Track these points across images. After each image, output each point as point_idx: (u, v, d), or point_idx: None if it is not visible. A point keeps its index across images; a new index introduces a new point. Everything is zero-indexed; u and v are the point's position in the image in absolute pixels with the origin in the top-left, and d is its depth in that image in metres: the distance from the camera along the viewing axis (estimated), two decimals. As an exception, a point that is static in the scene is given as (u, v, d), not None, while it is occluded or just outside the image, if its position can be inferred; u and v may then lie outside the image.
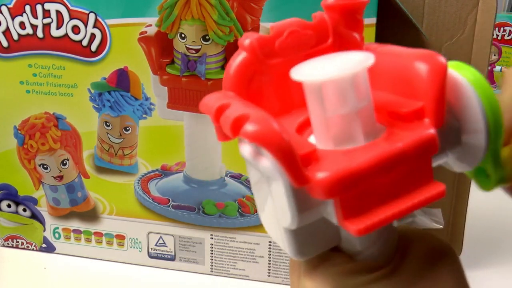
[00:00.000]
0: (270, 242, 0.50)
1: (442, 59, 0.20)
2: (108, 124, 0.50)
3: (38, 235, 0.56)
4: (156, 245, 0.53)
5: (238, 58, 0.22)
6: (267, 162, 0.19)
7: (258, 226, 0.50)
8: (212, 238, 0.51)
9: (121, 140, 0.50)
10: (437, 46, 0.49)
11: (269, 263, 0.51)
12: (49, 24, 0.48)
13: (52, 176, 0.53)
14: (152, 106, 0.48)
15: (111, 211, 0.53)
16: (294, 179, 0.18)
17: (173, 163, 0.50)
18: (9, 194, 0.55)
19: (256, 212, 0.49)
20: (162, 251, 0.53)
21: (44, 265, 0.55)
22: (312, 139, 0.22)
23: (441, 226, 0.50)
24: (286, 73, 0.22)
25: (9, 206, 0.55)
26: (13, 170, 0.54)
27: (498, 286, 0.51)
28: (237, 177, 0.49)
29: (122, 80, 0.48)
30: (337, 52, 0.23)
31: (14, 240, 0.57)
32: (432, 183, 0.20)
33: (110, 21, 0.46)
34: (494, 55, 0.91)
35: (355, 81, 0.20)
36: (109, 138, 0.50)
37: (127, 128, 0.49)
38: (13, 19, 0.48)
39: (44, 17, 0.47)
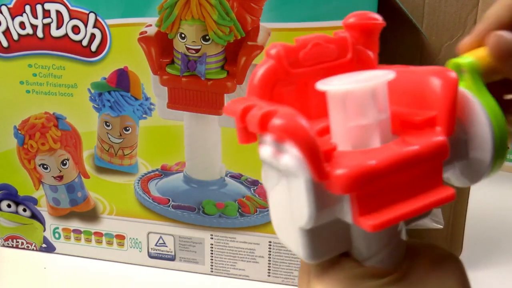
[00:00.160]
0: (270, 242, 0.50)
1: (453, 74, 0.22)
2: (108, 124, 0.50)
3: (38, 235, 0.56)
4: (156, 245, 0.53)
5: (265, 65, 0.23)
6: (289, 158, 0.20)
7: (258, 226, 0.50)
8: (212, 238, 0.51)
9: (121, 140, 0.50)
10: (437, 46, 0.49)
11: (269, 263, 0.51)
12: (49, 24, 0.48)
13: (52, 176, 0.53)
14: (152, 106, 0.48)
15: (111, 211, 0.53)
16: (316, 172, 0.19)
17: (173, 163, 0.50)
18: (9, 194, 0.55)
19: (256, 212, 0.49)
20: (162, 251, 0.53)
21: (44, 265, 0.55)
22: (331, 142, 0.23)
23: (441, 226, 0.50)
24: (307, 83, 0.24)
25: (9, 206, 0.55)
26: (13, 170, 0.54)
27: (498, 286, 0.51)
28: (237, 177, 0.49)
29: (122, 80, 0.48)
30: (354, 67, 0.24)
31: (14, 240, 0.57)
32: (442, 187, 0.21)
33: (110, 21, 0.46)
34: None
35: (376, 93, 0.21)
36: (109, 138, 0.50)
37: (127, 128, 0.49)
38: (13, 19, 0.48)
39: (44, 17, 0.47)
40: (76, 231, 0.55)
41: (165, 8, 0.44)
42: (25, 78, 0.50)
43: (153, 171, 0.50)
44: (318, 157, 0.19)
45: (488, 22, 0.26)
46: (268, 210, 0.49)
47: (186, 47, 0.45)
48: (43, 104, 0.50)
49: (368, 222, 0.19)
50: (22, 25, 0.48)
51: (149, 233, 0.53)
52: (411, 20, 0.47)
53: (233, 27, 0.44)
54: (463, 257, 0.53)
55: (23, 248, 0.57)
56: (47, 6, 0.47)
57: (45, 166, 0.53)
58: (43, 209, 0.55)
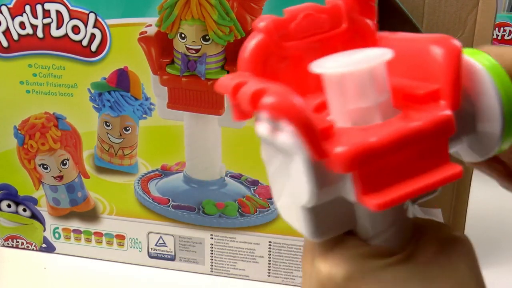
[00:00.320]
0: (270, 242, 0.50)
1: (456, 42, 0.20)
2: (108, 124, 0.50)
3: (38, 235, 0.56)
4: (156, 245, 0.53)
5: (254, 39, 0.22)
6: (286, 136, 0.19)
7: (258, 226, 0.50)
8: (212, 238, 0.51)
9: (121, 140, 0.50)
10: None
11: (269, 263, 0.51)
12: (49, 24, 0.48)
13: (52, 176, 0.53)
14: (152, 106, 0.48)
15: (111, 211, 0.53)
16: (314, 151, 0.18)
17: (173, 163, 0.50)
18: (9, 194, 0.55)
19: (256, 212, 0.49)
20: (162, 251, 0.53)
21: (44, 265, 0.55)
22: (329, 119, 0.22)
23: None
24: (301, 57, 0.22)
25: (9, 206, 0.55)
26: (13, 170, 0.54)
27: (498, 286, 0.50)
28: (237, 177, 0.49)
29: (122, 80, 0.48)
30: (352, 37, 0.23)
31: (14, 240, 0.57)
32: (448, 164, 0.20)
33: (110, 21, 0.46)
34: (494, 55, 0.90)
35: (374, 75, 0.20)
36: (109, 138, 0.50)
37: (127, 128, 0.49)
38: (13, 19, 0.48)
39: (44, 17, 0.47)
40: (76, 231, 0.55)
41: (165, 8, 0.44)
42: (25, 78, 0.50)
43: (153, 171, 0.50)
44: (314, 135, 0.18)
45: None
46: (268, 210, 0.49)
47: (186, 47, 0.45)
48: (43, 104, 0.50)
49: (373, 201, 0.19)
50: (22, 25, 0.48)
51: (149, 233, 0.53)
52: (411, 20, 0.47)
53: (233, 27, 0.44)
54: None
55: (23, 248, 0.57)
56: (47, 6, 0.47)
57: (45, 166, 0.53)
58: (43, 209, 0.55)
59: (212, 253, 0.52)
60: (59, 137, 0.51)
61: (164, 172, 0.50)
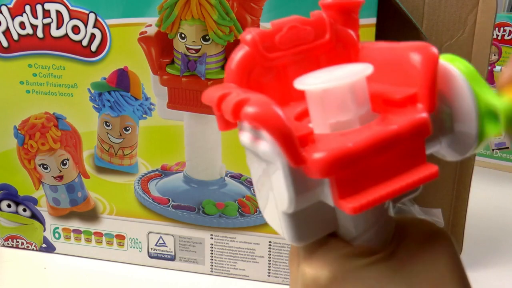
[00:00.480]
0: (270, 242, 0.50)
1: (434, 49, 0.21)
2: (108, 124, 0.50)
3: (38, 235, 0.56)
4: (156, 245, 0.53)
5: (240, 52, 0.23)
6: (266, 144, 0.20)
7: (258, 226, 0.50)
8: (212, 238, 0.51)
9: (121, 140, 0.50)
10: (437, 46, 0.49)
11: (269, 263, 0.51)
12: (49, 24, 0.48)
13: (52, 176, 0.53)
14: (152, 106, 0.48)
15: (111, 211, 0.53)
16: (292, 158, 0.19)
17: (173, 163, 0.50)
18: (9, 194, 0.55)
19: (256, 212, 0.49)
20: (162, 251, 0.53)
21: (44, 265, 0.55)
22: (309, 126, 0.22)
23: (441, 226, 0.50)
24: (285, 67, 0.23)
25: (9, 206, 0.55)
26: (13, 170, 0.54)
27: (498, 286, 0.51)
28: (237, 177, 0.49)
29: (122, 80, 0.48)
30: (334, 47, 0.24)
31: (14, 240, 0.57)
32: (425, 165, 0.21)
33: (110, 21, 0.46)
34: (494, 55, 0.90)
35: (355, 90, 0.21)
36: (109, 138, 0.50)
37: (127, 128, 0.49)
38: (13, 19, 0.48)
39: (44, 17, 0.47)
40: (76, 231, 0.55)
41: (165, 8, 0.44)
42: (25, 78, 0.50)
43: (153, 171, 0.50)
44: (292, 143, 0.19)
45: None
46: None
47: (186, 47, 0.45)
48: (43, 104, 0.50)
49: (349, 205, 0.19)
50: (22, 25, 0.48)
51: (149, 233, 0.53)
52: (411, 20, 0.47)
53: (233, 27, 0.44)
54: (463, 257, 0.53)
55: (23, 248, 0.57)
56: (47, 6, 0.47)
57: (45, 166, 0.53)
58: (43, 209, 0.55)
59: (212, 253, 0.52)
60: (59, 137, 0.51)
61: (164, 172, 0.50)
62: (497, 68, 0.92)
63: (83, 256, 0.56)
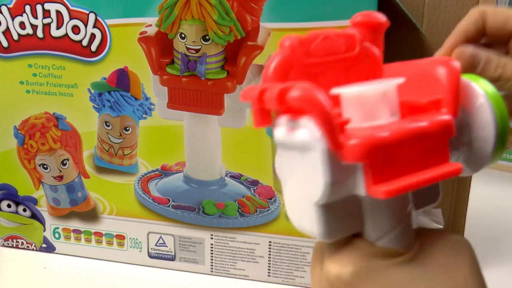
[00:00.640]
0: (270, 242, 0.50)
1: (456, 62, 0.24)
2: (108, 124, 0.50)
3: (38, 235, 0.56)
4: (156, 245, 0.53)
5: (280, 55, 0.25)
6: (304, 131, 0.21)
7: (258, 226, 0.50)
8: (212, 238, 0.51)
9: (121, 140, 0.50)
10: (437, 46, 0.49)
11: (269, 263, 0.51)
12: (49, 24, 0.48)
13: (52, 176, 0.53)
14: (152, 106, 0.48)
15: (111, 211, 0.53)
16: (332, 141, 0.21)
17: (173, 163, 0.50)
18: (9, 194, 0.55)
19: (256, 212, 0.49)
20: (162, 251, 0.53)
21: (44, 265, 0.55)
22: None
23: (441, 226, 0.50)
24: (317, 74, 0.25)
25: (9, 206, 0.55)
26: (13, 170, 0.54)
27: (498, 286, 0.50)
28: (237, 177, 0.49)
29: (122, 80, 0.48)
30: (361, 61, 0.26)
31: (14, 240, 0.57)
32: (449, 162, 0.23)
33: (110, 21, 0.46)
34: (494, 55, 0.90)
35: (387, 96, 0.23)
36: (109, 138, 0.50)
37: (127, 128, 0.49)
38: (13, 19, 0.48)
39: (44, 17, 0.47)
40: (76, 231, 0.55)
41: (165, 8, 0.44)
42: (25, 78, 0.50)
43: (153, 171, 0.50)
44: (333, 126, 0.21)
45: (455, 36, 0.30)
46: (268, 210, 0.49)
47: (186, 47, 0.45)
48: (43, 104, 0.50)
49: (381, 189, 0.21)
50: (22, 25, 0.48)
51: (149, 233, 0.53)
52: (411, 20, 0.47)
53: (233, 27, 0.44)
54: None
55: (23, 248, 0.57)
56: (47, 6, 0.47)
57: (45, 166, 0.53)
58: (43, 209, 0.55)
59: (212, 253, 0.52)
60: (59, 137, 0.51)
61: (164, 172, 0.50)
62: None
63: (83, 256, 0.56)
